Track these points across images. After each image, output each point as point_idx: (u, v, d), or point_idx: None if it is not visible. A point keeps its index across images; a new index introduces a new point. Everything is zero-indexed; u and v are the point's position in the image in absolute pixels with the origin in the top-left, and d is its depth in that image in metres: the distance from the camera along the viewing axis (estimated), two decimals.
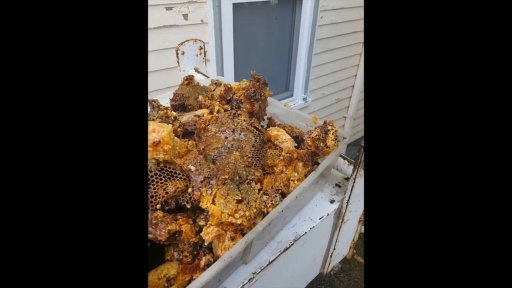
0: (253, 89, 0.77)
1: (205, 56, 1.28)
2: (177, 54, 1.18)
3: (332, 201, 0.82)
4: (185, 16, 1.83)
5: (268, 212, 0.60)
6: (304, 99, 2.92)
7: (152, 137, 0.56)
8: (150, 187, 0.56)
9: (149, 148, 0.56)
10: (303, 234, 0.73)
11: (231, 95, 0.80)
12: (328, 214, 0.79)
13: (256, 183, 0.61)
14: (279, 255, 0.68)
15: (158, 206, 0.55)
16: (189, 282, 0.54)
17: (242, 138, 0.70)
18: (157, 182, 0.57)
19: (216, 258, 0.57)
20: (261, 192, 0.62)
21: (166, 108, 0.78)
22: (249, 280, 0.63)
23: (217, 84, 0.85)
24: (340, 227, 0.86)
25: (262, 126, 0.85)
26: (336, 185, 0.88)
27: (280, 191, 0.65)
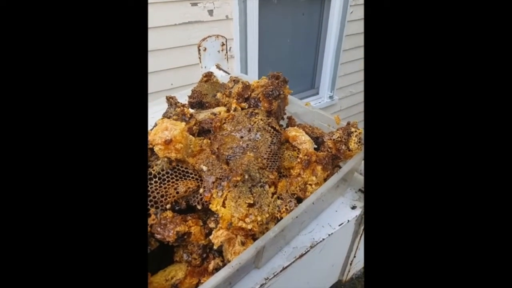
0: (271, 87, 0.73)
1: (227, 52, 1.26)
2: (199, 50, 1.18)
3: (353, 207, 0.77)
4: (210, 12, 1.82)
5: (281, 218, 0.57)
6: (331, 97, 2.83)
7: (164, 135, 0.55)
8: (161, 186, 0.55)
9: (161, 147, 0.55)
10: (321, 241, 0.69)
11: (249, 93, 0.77)
12: (348, 220, 0.74)
13: (270, 186, 0.58)
14: (293, 261, 0.65)
15: (168, 206, 0.54)
16: (197, 285, 0.52)
17: (258, 138, 0.68)
18: (168, 181, 0.56)
19: (226, 262, 0.55)
20: (275, 196, 0.59)
21: (183, 105, 0.77)
22: (261, 285, 0.60)
23: (235, 81, 0.82)
24: (362, 235, 0.80)
25: (281, 126, 0.81)
26: (359, 190, 0.82)
27: (295, 195, 0.62)
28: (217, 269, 0.53)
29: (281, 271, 0.63)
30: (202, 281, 0.52)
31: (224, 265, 0.54)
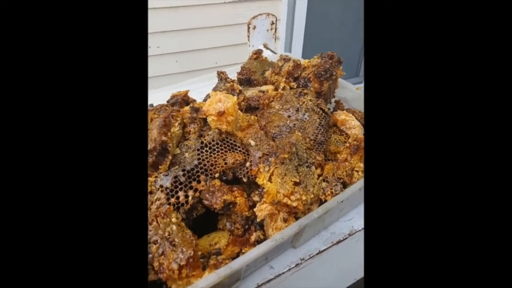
0: (323, 66, 0.71)
1: (275, 32, 1.24)
2: (249, 28, 1.17)
3: None
4: None
5: (325, 201, 0.56)
6: None
7: (217, 106, 0.56)
8: (211, 155, 0.57)
9: (214, 118, 0.56)
10: (359, 230, 0.68)
11: (299, 72, 0.75)
12: None
13: (316, 168, 0.57)
14: (330, 246, 0.65)
15: (217, 175, 0.56)
16: (238, 254, 0.54)
17: (306, 118, 0.66)
18: (218, 151, 0.58)
19: (266, 236, 0.56)
20: (321, 178, 0.58)
21: (233, 81, 0.78)
22: (297, 265, 0.61)
23: (285, 59, 0.81)
24: None
25: (329, 109, 0.79)
26: None
27: (341, 180, 0.60)
28: (258, 241, 0.55)
29: (317, 254, 0.63)
30: (243, 250, 0.54)
31: (265, 238, 0.55)
